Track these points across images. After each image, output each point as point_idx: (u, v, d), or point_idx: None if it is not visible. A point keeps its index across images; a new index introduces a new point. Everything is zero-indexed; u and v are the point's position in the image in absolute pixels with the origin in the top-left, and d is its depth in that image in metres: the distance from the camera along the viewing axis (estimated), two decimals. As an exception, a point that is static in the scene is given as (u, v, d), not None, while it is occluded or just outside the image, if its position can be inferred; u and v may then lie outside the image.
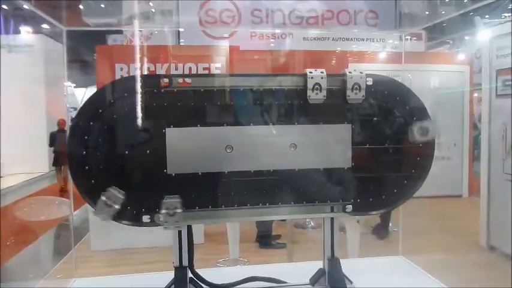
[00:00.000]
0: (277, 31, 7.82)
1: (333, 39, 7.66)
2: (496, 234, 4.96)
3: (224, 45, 6.75)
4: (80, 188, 1.31)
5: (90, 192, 1.30)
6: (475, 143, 7.85)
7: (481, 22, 6.09)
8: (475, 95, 8.10)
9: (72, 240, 2.13)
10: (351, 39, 7.69)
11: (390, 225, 5.79)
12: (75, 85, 10.31)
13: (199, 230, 4.04)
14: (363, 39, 7.61)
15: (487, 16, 6.80)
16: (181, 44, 7.44)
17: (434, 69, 7.88)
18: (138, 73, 1.37)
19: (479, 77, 6.27)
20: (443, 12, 2.25)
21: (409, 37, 7.91)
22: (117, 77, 5.03)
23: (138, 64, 2.71)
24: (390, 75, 1.54)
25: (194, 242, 1.45)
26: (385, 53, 7.24)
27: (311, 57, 6.55)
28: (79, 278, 1.80)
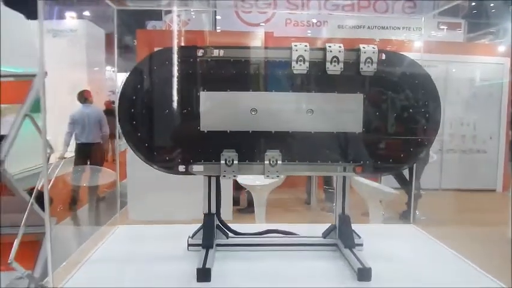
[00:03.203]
0: (313, 20, 7.88)
1: (368, 27, 7.66)
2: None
3: (259, 31, 6.93)
4: (128, 140, 1.55)
5: (137, 144, 1.54)
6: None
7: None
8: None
9: (118, 201, 2.42)
10: (387, 27, 7.65)
11: (417, 213, 5.84)
12: (114, 70, 10.77)
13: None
14: (398, 28, 7.57)
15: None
16: (218, 29, 7.68)
17: (472, 61, 7.73)
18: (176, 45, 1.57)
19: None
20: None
21: (445, 27, 7.79)
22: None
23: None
24: (425, 66, 1.65)
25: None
26: (420, 42, 7.16)
27: (346, 46, 6.58)
28: (121, 225, 2.08)
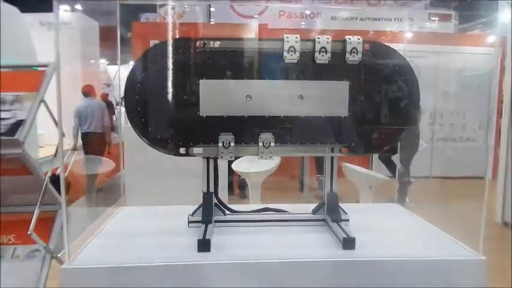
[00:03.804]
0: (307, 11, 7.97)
1: (361, 19, 7.78)
2: (510, 211, 5.14)
3: (253, 23, 7.02)
4: (133, 124, 1.69)
5: (141, 128, 1.68)
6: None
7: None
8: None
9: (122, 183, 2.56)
10: (379, 19, 7.78)
11: (407, 200, 6.03)
12: (108, 62, 10.83)
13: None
14: (390, 19, 7.69)
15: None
16: (211, 22, 7.76)
17: (462, 51, 7.89)
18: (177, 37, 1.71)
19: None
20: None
21: (436, 18, 7.94)
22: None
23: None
24: (417, 56, 1.80)
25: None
26: (411, 33, 7.31)
27: (338, 37, 6.70)
28: (125, 207, 2.22)
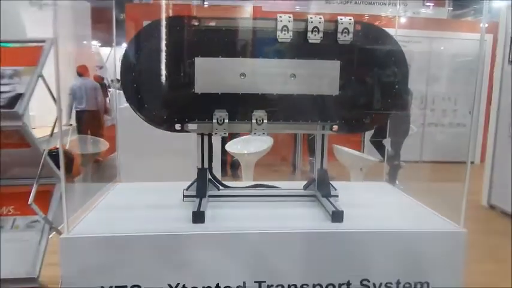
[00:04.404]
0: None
1: (356, 2, 7.78)
2: (496, 194, 5.27)
3: (248, 5, 6.99)
4: (130, 101, 1.73)
5: (137, 104, 1.72)
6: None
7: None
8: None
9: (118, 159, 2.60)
10: (373, 3, 7.79)
11: (397, 182, 6.14)
12: (100, 44, 10.73)
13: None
14: (385, 4, 7.70)
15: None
16: (205, 4, 7.71)
17: (455, 37, 7.94)
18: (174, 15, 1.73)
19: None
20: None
21: (432, 4, 7.96)
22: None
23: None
24: (409, 41, 1.84)
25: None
26: (406, 18, 7.33)
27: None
28: (120, 183, 2.27)
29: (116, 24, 2.45)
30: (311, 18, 1.73)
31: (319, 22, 1.73)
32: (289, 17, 1.71)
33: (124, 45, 2.57)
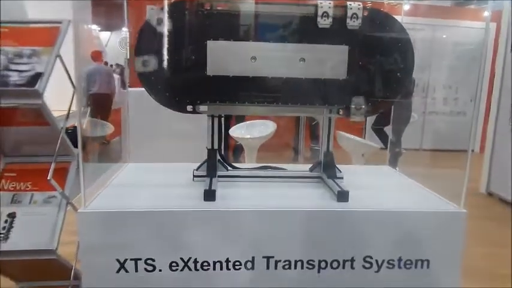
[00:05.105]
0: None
1: (360, -11, 7.74)
2: (495, 182, 5.35)
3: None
4: (143, 81, 1.77)
5: (150, 85, 1.77)
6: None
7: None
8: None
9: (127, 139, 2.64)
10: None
11: (397, 169, 6.22)
12: (100, 28, 10.71)
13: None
14: (389, -10, 7.67)
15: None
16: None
17: (457, 25, 7.93)
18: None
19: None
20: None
21: (435, -10, 7.92)
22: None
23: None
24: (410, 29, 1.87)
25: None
26: (408, 5, 7.31)
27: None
28: (131, 163, 2.34)
29: (117, 8, 2.46)
30: (321, 3, 1.77)
31: (329, 7, 1.77)
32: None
33: (123, 30, 2.57)
